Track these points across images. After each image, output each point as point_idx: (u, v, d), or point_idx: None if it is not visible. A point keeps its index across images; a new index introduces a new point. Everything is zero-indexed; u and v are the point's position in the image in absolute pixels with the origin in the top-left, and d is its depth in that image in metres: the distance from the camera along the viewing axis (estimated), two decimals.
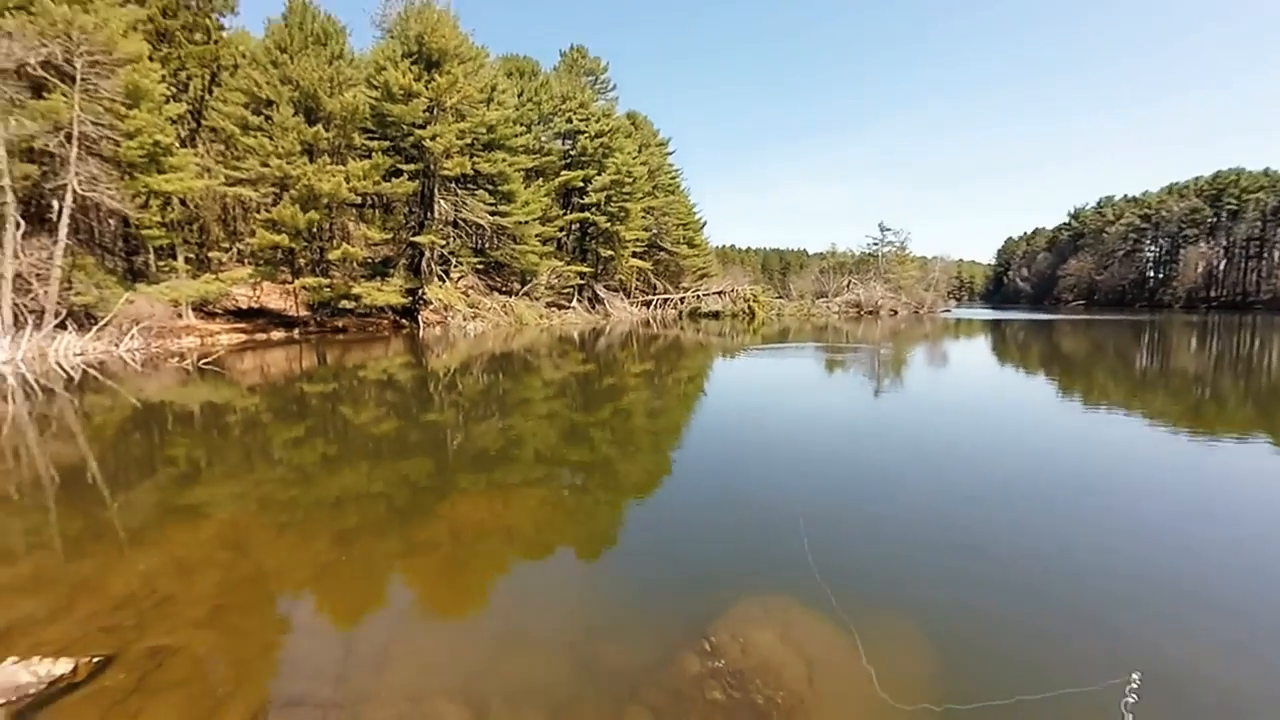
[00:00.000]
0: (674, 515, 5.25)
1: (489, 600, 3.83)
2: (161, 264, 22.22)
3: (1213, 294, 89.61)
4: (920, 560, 4.24)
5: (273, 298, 26.88)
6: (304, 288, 23.97)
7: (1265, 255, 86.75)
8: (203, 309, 22.78)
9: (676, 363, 17.47)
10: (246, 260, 25.86)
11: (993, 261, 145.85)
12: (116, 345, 17.16)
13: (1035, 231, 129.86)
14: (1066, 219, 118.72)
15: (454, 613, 3.69)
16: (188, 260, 23.28)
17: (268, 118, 23.16)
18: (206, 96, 26.00)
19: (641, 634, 3.32)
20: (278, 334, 22.92)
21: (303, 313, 24.99)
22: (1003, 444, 7.71)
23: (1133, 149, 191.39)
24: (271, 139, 22.63)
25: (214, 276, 22.14)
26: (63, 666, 2.87)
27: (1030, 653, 3.18)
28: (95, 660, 2.99)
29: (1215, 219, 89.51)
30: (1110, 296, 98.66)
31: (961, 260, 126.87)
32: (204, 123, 25.76)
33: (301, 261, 24.86)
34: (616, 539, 4.79)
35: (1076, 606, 3.61)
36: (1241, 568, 4.20)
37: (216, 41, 26.32)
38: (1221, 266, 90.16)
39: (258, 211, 24.72)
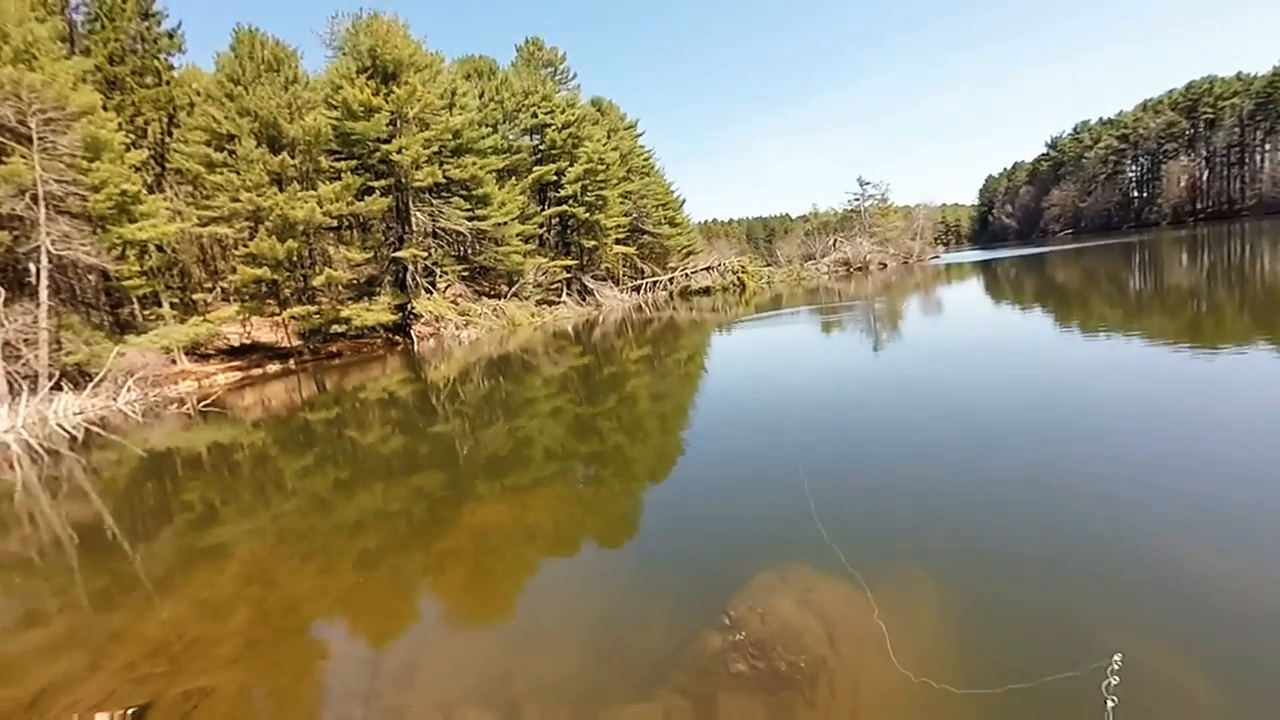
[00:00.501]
0: (685, 495, 5.29)
1: (512, 602, 3.87)
2: (147, 312, 22.11)
3: (1199, 206, 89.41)
4: (926, 512, 4.28)
5: (263, 331, 26.78)
6: (293, 317, 23.88)
7: (1247, 161, 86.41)
8: (195, 352, 22.70)
9: (673, 343, 17.47)
10: (231, 298, 25.72)
11: (976, 202, 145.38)
12: (114, 399, 17.12)
13: (1015, 166, 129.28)
14: (1044, 149, 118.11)
15: (479, 618, 3.73)
16: (173, 305, 23.16)
17: (231, 152, 22.90)
18: (167, 139, 25.70)
19: (663, 617, 3.37)
20: (274, 367, 22.87)
21: (295, 342, 24.92)
22: (1005, 388, 7.74)
23: (1110, 73, 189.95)
24: (238, 173, 22.41)
25: (201, 318, 22.03)
26: None
27: (1032, 612, 3.21)
28: (131, 712, 3.02)
29: (1193, 130, 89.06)
30: (1097, 222, 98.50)
31: (945, 205, 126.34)
32: (168, 165, 25.47)
33: (287, 291, 24.73)
34: (633, 526, 4.82)
35: (1083, 554, 3.65)
36: (1253, 475, 4.24)
37: (169, 82, 25.99)
38: (1205, 178, 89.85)
39: (235, 248, 24.53)
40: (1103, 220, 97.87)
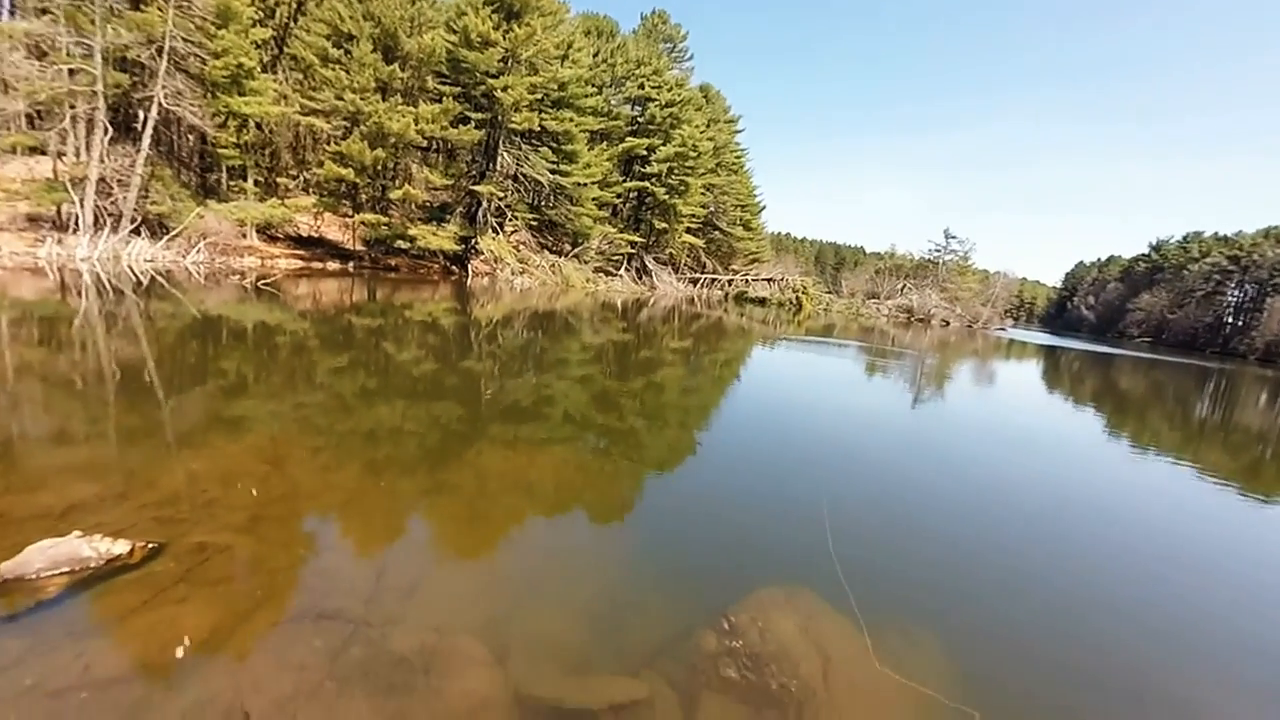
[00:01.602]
0: (698, 494, 5.26)
1: (511, 551, 3.92)
2: (232, 184, 23.05)
3: None
4: (941, 573, 4.16)
5: (332, 229, 27.65)
6: (363, 223, 24.58)
7: None
8: (266, 232, 23.61)
9: (716, 344, 17.34)
10: (311, 190, 26.60)
11: (1058, 285, 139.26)
12: (183, 256, 17.96)
13: (1109, 259, 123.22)
14: (1147, 250, 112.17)
15: (476, 558, 3.80)
16: (257, 183, 24.07)
17: (347, 51, 23.52)
18: (291, 25, 26.52)
19: (659, 605, 3.36)
20: (333, 265, 23.64)
21: (359, 247, 25.67)
22: (1039, 475, 7.43)
23: (1230, 186, 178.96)
24: (349, 73, 23.02)
25: (280, 202, 22.87)
26: (120, 547, 3.07)
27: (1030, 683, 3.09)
28: (150, 546, 3.19)
29: None
30: (1180, 337, 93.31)
31: (1025, 279, 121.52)
32: (286, 50, 26.34)
33: (364, 197, 25.45)
34: (640, 510, 4.82)
35: (1085, 648, 3.49)
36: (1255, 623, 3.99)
37: None
38: None
39: (327, 143, 25.31)
40: (1187, 338, 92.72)
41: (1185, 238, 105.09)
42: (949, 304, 49.25)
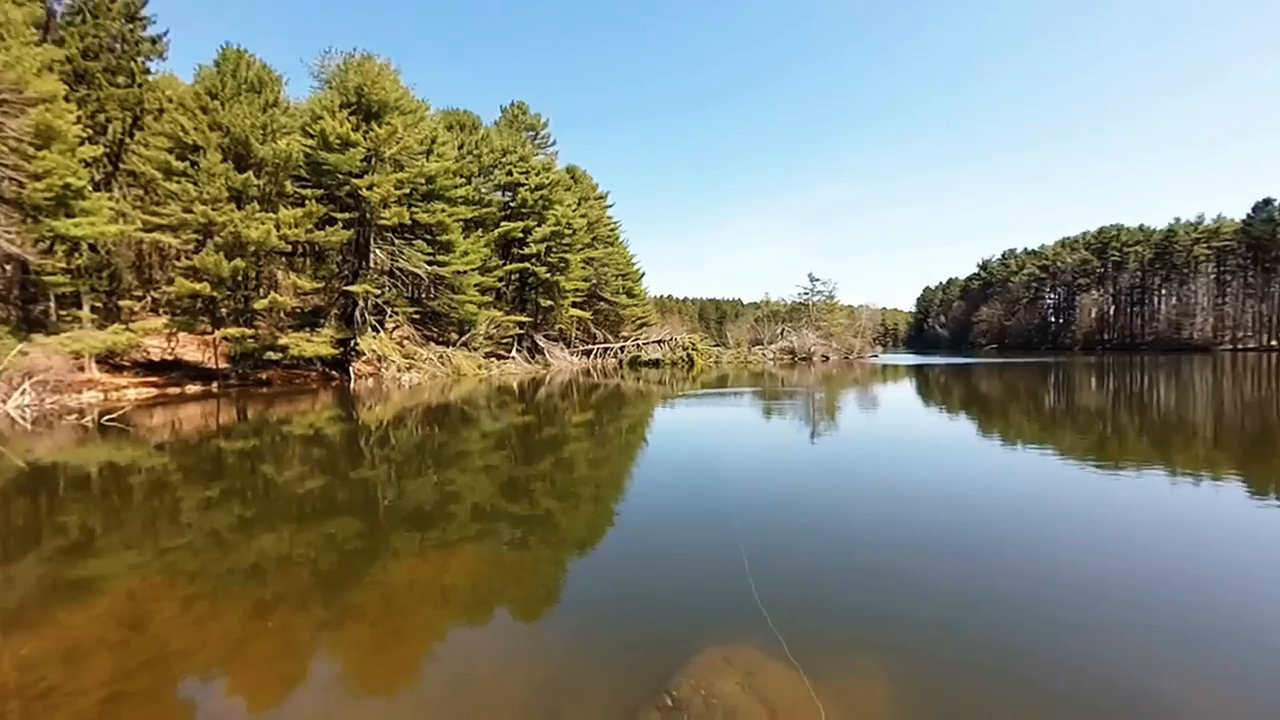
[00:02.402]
0: (622, 566, 5.17)
1: (431, 669, 3.61)
2: (64, 313, 20.68)
3: (1106, 337, 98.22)
4: (866, 598, 4.33)
5: (190, 349, 25.34)
6: (226, 339, 22.76)
7: (1147, 301, 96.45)
8: (109, 361, 21.19)
9: (617, 411, 17.46)
10: (162, 310, 24.39)
11: (913, 309, 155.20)
12: (4, 401, 15.64)
13: (950, 281, 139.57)
14: (976, 269, 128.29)
15: (392, 684, 3.46)
16: (95, 309, 21.76)
17: (194, 163, 22.36)
18: (127, 140, 24.97)
19: (598, 694, 3.22)
20: (194, 388, 21.51)
21: (223, 365, 23.64)
22: (939, 484, 8.04)
23: (1035, 206, 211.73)
24: (197, 184, 21.80)
25: (124, 327, 20.73)
26: None
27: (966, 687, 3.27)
28: None
29: (1103, 269, 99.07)
30: (1019, 340, 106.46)
31: (885, 308, 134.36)
32: (122, 165, 24.63)
33: (224, 311, 23.67)
34: (564, 595, 4.65)
35: (998, 636, 3.75)
36: (1166, 575, 4.50)
37: (141, 85, 25.53)
38: (1111, 312, 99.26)
39: (177, 259, 23.52)
40: (1024, 339, 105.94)
41: (1004, 255, 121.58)
42: (825, 340, 53.16)
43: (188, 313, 22.89)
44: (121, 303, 23.92)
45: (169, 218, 21.64)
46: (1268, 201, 78.60)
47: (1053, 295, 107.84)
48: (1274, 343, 78.97)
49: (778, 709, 3.03)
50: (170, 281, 22.20)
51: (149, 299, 25.66)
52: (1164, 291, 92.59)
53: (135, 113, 25.44)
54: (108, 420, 13.85)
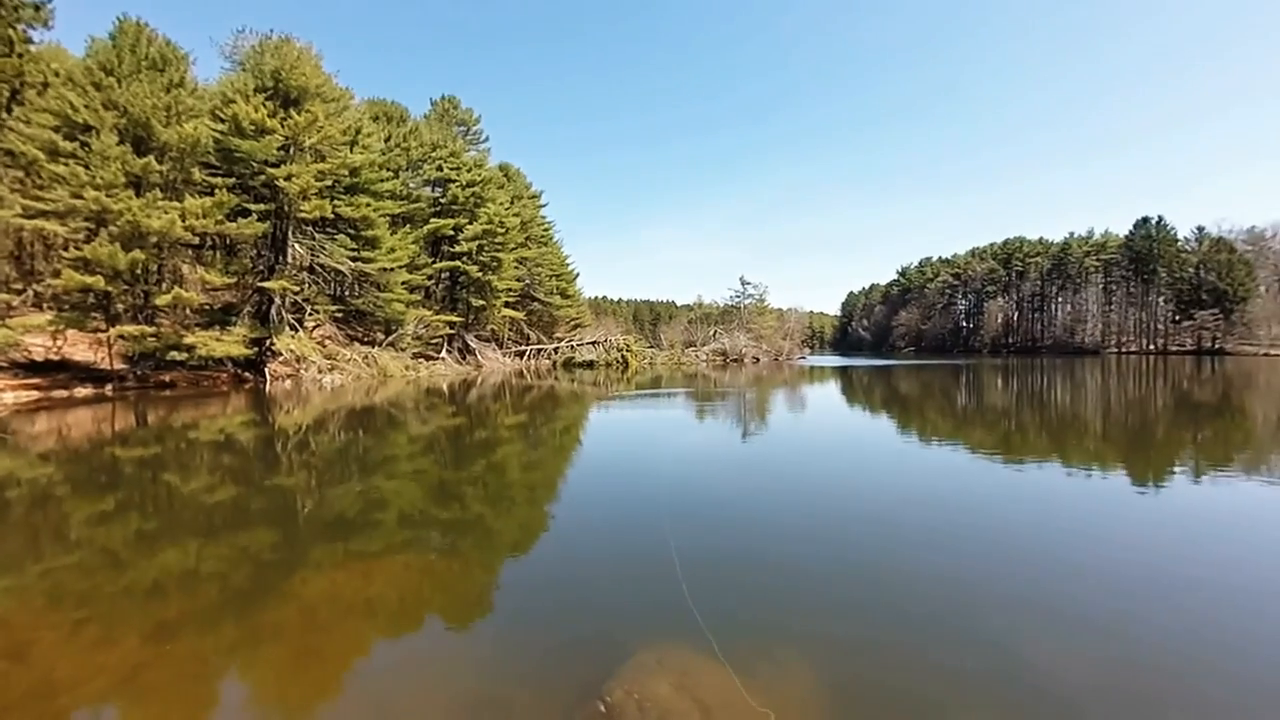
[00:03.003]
0: (553, 572, 5.13)
1: (354, 687, 3.45)
2: None
3: (1010, 340, 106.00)
4: (793, 593, 4.49)
5: (79, 349, 23.11)
6: (121, 337, 20.91)
7: (1045, 308, 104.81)
8: None
9: (551, 413, 17.31)
10: (46, 305, 22.13)
11: (838, 313, 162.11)
12: None
13: (872, 287, 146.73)
14: (896, 276, 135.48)
15: (310, 708, 3.29)
16: None
17: (85, 144, 20.42)
18: (4, 116, 22.51)
19: (529, 702, 3.17)
20: (84, 391, 19.64)
21: (118, 366, 21.72)
22: (862, 477, 8.44)
23: (947, 219, 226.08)
24: (88, 168, 19.92)
25: (0, 322, 18.67)
26: None
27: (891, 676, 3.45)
28: None
29: (1008, 278, 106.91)
30: (934, 343, 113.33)
31: (812, 312, 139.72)
32: None
33: (120, 307, 21.73)
34: (496, 603, 4.56)
35: (915, 618, 3.99)
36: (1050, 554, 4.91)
37: (21, 55, 23.11)
38: (1015, 317, 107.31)
39: (65, 249, 21.39)
40: (939, 342, 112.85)
41: (921, 263, 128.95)
42: (755, 342, 54.64)
43: (77, 308, 20.85)
44: None
45: (55, 203, 19.66)
46: (1145, 220, 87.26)
47: (964, 301, 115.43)
48: (1151, 346, 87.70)
49: (711, 709, 3.09)
50: (56, 274, 20.16)
51: (30, 293, 23.20)
52: (1060, 299, 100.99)
53: (14, 85, 22.97)
54: None
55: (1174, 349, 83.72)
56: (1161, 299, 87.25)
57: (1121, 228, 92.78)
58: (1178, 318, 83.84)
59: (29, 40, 23.63)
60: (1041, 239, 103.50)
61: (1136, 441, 12.26)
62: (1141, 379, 31.57)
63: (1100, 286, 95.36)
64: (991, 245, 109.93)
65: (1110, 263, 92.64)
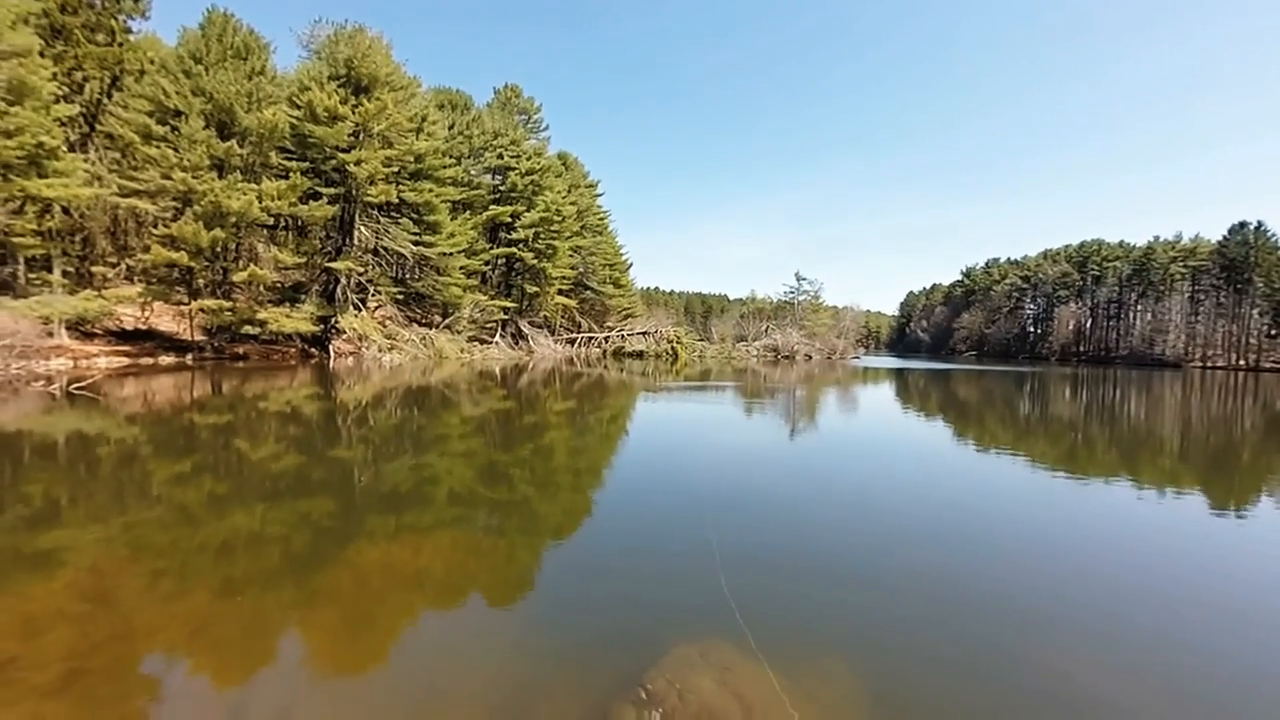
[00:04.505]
0: (597, 558, 5.17)
1: (401, 655, 3.58)
2: (34, 276, 20.09)
3: (1082, 349, 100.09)
4: (833, 595, 4.38)
5: (165, 320, 24.79)
6: (202, 310, 22.30)
7: (1123, 316, 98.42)
8: (79, 328, 20.66)
9: (599, 401, 17.45)
10: (137, 278, 23.80)
11: (896, 313, 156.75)
12: None
13: (933, 287, 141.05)
14: (960, 277, 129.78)
15: (361, 668, 3.43)
16: (66, 274, 21.17)
17: (174, 128, 21.78)
18: (105, 100, 24.21)
19: (571, 686, 3.21)
20: (167, 359, 21.06)
21: (199, 337, 23.18)
22: (913, 485, 8.16)
23: (1017, 220, 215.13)
24: (177, 151, 21.24)
25: (96, 293, 20.21)
26: None
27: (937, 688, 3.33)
28: None
29: (1082, 282, 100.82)
30: (998, 348, 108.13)
31: (869, 311, 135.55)
32: (99, 127, 23.91)
33: (201, 282, 23.17)
34: (539, 585, 4.64)
35: (972, 636, 3.83)
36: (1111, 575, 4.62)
37: (121, 44, 24.74)
38: (1088, 325, 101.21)
39: (154, 226, 22.92)
40: (1003, 348, 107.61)
41: (988, 264, 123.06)
42: (808, 339, 53.54)
43: (163, 282, 22.36)
44: (94, 269, 23.27)
45: (147, 183, 21.08)
46: (1243, 224, 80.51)
47: (1033, 305, 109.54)
48: (1241, 362, 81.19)
49: (753, 707, 3.04)
50: (146, 249, 21.65)
51: (123, 266, 25.00)
52: (1140, 307, 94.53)
53: (114, 72, 24.66)
54: (76, 389, 13.51)
55: (1268, 365, 77.21)
56: (1256, 311, 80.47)
57: (1211, 231, 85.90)
58: (1273, 332, 77.26)
59: (129, 30, 25.29)
60: (1122, 242, 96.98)
61: (1221, 465, 11.39)
62: (1230, 396, 29.26)
63: (1186, 295, 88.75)
64: (1066, 248, 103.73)
65: (1199, 270, 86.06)
